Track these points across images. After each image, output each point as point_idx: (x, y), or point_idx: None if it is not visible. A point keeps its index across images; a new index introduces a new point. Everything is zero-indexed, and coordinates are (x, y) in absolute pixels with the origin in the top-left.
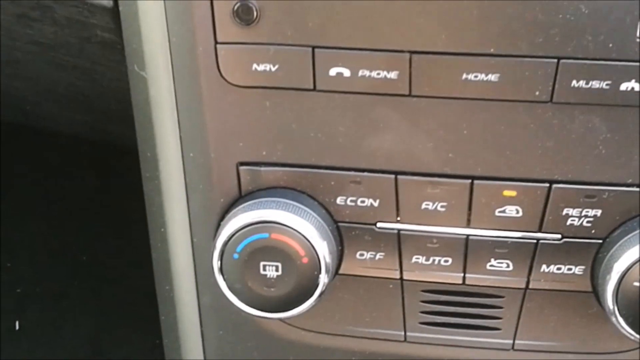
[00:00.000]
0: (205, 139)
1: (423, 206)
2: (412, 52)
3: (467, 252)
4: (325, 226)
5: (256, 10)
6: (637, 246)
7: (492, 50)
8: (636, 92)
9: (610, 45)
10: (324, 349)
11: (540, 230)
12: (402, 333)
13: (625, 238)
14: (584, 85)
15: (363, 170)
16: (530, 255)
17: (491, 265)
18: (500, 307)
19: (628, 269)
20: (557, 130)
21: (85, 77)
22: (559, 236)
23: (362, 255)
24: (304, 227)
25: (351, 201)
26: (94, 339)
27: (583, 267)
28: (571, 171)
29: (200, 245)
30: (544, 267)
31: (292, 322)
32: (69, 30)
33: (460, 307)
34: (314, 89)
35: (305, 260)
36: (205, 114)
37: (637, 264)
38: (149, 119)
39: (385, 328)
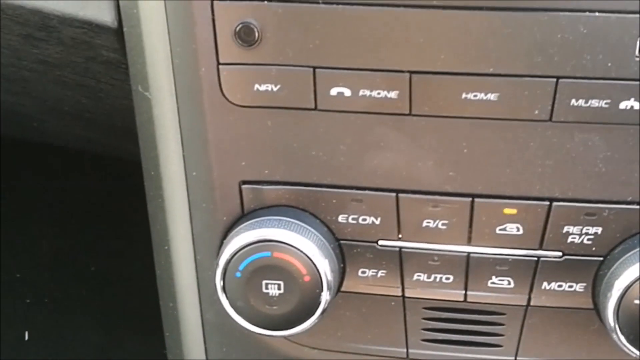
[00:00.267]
0: (208, 158)
1: (424, 224)
2: (411, 72)
3: (469, 269)
4: (327, 244)
5: (257, 32)
6: (638, 264)
7: (491, 70)
8: (636, 110)
9: (609, 64)
10: None
11: (541, 248)
12: (404, 350)
13: (626, 256)
14: (583, 104)
15: (364, 189)
16: (531, 272)
17: (492, 283)
18: (502, 324)
19: (629, 286)
20: (557, 148)
21: (91, 95)
22: (560, 254)
23: (364, 272)
24: (305, 245)
25: (353, 219)
26: (101, 347)
27: (584, 284)
28: (571, 189)
29: (203, 263)
30: (545, 284)
31: (295, 339)
32: (74, 50)
33: (462, 324)
34: (316, 109)
35: (307, 278)
36: (208, 134)
37: (638, 281)
38: (153, 139)
39: (387, 345)
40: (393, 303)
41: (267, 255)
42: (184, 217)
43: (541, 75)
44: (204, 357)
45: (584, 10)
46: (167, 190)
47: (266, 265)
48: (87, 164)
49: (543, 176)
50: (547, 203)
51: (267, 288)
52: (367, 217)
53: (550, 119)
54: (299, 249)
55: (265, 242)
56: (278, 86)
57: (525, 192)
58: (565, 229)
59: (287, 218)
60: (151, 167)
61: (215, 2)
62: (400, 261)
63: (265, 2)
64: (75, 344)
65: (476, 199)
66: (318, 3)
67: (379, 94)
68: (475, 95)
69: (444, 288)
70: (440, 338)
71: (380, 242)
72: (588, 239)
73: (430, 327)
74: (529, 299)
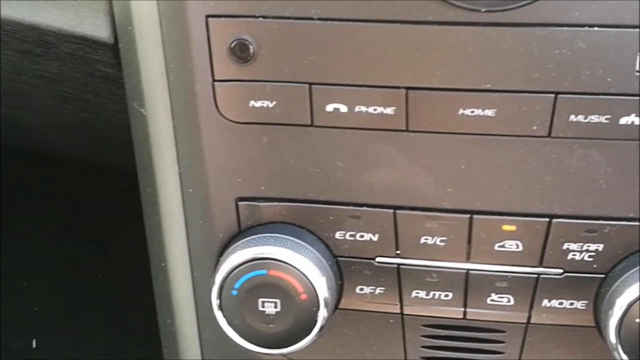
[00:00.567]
0: (204, 175)
1: (422, 241)
2: (408, 88)
3: (468, 286)
4: (324, 261)
5: (253, 48)
6: (639, 282)
7: (488, 85)
8: (636, 125)
9: (609, 79)
10: None
11: (541, 265)
12: None
13: (628, 273)
14: (582, 120)
15: (362, 205)
16: (531, 290)
17: (492, 300)
18: (502, 342)
19: (631, 304)
20: (556, 164)
21: (90, 109)
22: (560, 271)
23: (362, 289)
24: (302, 263)
25: (350, 236)
26: (108, 355)
27: (585, 301)
28: (571, 206)
29: (200, 280)
30: (545, 301)
31: (293, 356)
32: (72, 66)
33: (462, 341)
34: (312, 125)
35: (303, 296)
36: (203, 150)
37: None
38: (149, 155)
39: None
40: (392, 320)
41: (263, 273)
42: (180, 234)
43: (539, 91)
44: None
45: (582, 25)
46: (164, 207)
47: (262, 283)
48: (92, 175)
49: (542, 192)
50: (547, 220)
51: (263, 306)
52: (365, 234)
53: (549, 135)
54: (295, 267)
55: (261, 260)
56: (274, 102)
57: (524, 208)
58: (566, 245)
59: (284, 235)
60: (147, 183)
61: (210, 19)
62: (398, 278)
63: (260, 18)
64: (82, 352)
65: (474, 216)
66: (313, 19)
67: (375, 110)
68: (472, 111)
69: (443, 305)
70: (439, 356)
71: (378, 259)
72: (589, 256)
73: (429, 344)
74: (529, 317)
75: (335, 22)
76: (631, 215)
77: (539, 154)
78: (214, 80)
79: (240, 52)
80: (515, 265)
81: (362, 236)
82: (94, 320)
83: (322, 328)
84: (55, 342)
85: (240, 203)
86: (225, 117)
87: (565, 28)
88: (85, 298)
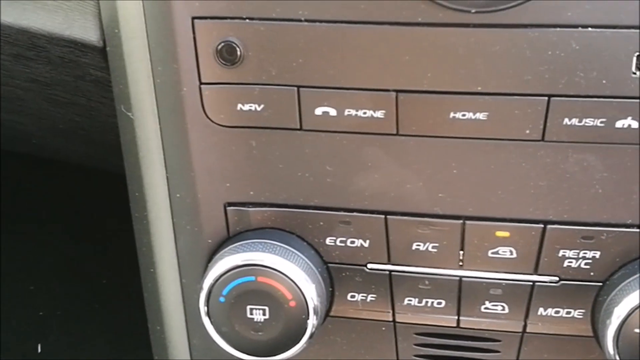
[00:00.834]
0: (191, 180)
1: (414, 247)
2: (398, 91)
3: (461, 294)
4: (314, 268)
5: (240, 50)
6: (638, 291)
7: (479, 88)
8: (633, 129)
9: (604, 81)
10: None
11: (536, 272)
12: None
13: (626, 281)
14: (577, 123)
15: (352, 211)
16: (526, 297)
17: (486, 308)
18: (497, 352)
19: (629, 314)
20: (551, 169)
21: (83, 113)
22: (556, 278)
23: (353, 296)
24: (291, 270)
25: (341, 242)
26: (110, 358)
27: (583, 310)
28: (566, 211)
29: (189, 286)
30: (541, 310)
31: None
32: (63, 69)
33: (456, 350)
34: (300, 129)
35: (292, 303)
36: (191, 155)
37: (638, 309)
38: (136, 159)
39: None
40: (384, 328)
41: (251, 279)
42: (168, 240)
43: (532, 94)
44: None
45: (576, 26)
46: (152, 212)
47: (250, 290)
48: (92, 176)
49: (536, 198)
50: (542, 226)
51: (251, 313)
52: (356, 240)
53: (543, 139)
54: (284, 274)
55: (249, 266)
56: (262, 106)
57: (518, 214)
58: (561, 252)
59: (273, 241)
60: (135, 188)
61: (196, 21)
62: (390, 285)
63: (247, 20)
64: (87, 356)
65: (467, 221)
66: (301, 21)
67: (365, 113)
68: (463, 115)
69: (435, 313)
70: None
71: (370, 266)
72: (586, 264)
73: (422, 353)
74: (525, 325)
75: (324, 24)
76: (629, 221)
77: (532, 159)
78: (201, 83)
79: (227, 55)
80: (510, 273)
81: (352, 242)
82: (94, 322)
83: (312, 336)
84: (56, 344)
85: (229, 208)
86: (212, 121)
87: (558, 29)
88: (86, 299)
